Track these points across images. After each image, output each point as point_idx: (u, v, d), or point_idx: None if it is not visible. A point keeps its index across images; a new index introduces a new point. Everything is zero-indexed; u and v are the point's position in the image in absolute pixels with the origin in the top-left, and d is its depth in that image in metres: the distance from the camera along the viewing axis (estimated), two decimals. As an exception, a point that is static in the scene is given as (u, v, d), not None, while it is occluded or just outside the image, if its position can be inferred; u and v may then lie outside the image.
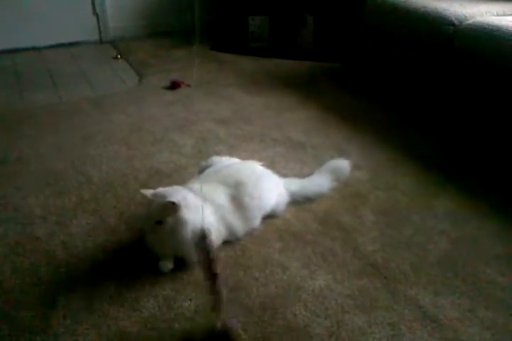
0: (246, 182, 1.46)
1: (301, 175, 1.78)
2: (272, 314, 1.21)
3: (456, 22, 2.08)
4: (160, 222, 1.27)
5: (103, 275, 1.32)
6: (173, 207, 1.26)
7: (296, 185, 1.65)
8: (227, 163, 1.59)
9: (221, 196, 1.42)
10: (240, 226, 1.44)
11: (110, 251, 1.41)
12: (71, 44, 3.33)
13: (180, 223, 1.28)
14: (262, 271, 1.35)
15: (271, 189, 1.55)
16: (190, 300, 1.25)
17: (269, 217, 1.56)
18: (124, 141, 2.04)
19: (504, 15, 2.14)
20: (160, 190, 1.32)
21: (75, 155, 1.93)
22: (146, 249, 1.37)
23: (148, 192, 1.29)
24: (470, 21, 2.05)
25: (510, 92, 1.91)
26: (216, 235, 1.33)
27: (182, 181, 1.73)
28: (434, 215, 1.60)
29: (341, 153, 1.97)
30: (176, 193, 1.30)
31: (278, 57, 3.17)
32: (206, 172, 1.54)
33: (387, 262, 1.39)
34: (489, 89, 1.98)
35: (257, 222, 1.50)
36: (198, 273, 1.32)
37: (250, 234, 1.48)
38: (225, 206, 1.41)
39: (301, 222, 1.56)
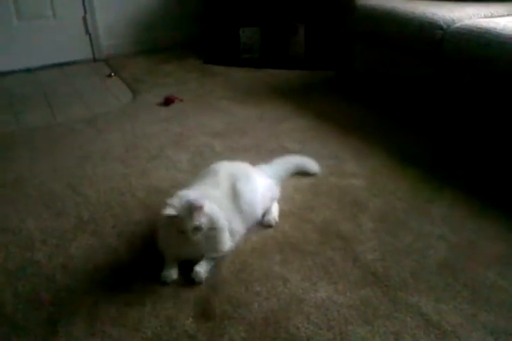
0: (240, 179, 1.53)
1: (300, 185, 1.79)
2: (275, 328, 1.21)
3: (445, 26, 2.09)
4: (198, 227, 1.32)
5: (104, 297, 1.32)
6: (202, 209, 1.32)
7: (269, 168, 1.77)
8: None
9: (221, 195, 1.48)
10: (240, 224, 1.49)
11: (110, 272, 1.41)
12: (64, 64, 3.35)
13: (214, 222, 1.36)
14: (264, 285, 1.35)
15: (261, 180, 1.61)
16: (192, 317, 1.24)
17: (267, 230, 1.57)
18: (120, 159, 2.05)
19: (492, 17, 2.15)
20: (176, 199, 1.37)
21: (71, 176, 1.93)
22: (146, 267, 1.37)
23: (175, 202, 1.35)
24: (458, 25, 2.06)
25: (500, 94, 1.92)
26: (228, 236, 1.43)
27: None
28: (431, 220, 1.60)
29: (337, 161, 1.98)
30: (195, 196, 1.37)
31: (270, 67, 3.19)
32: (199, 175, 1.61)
33: (388, 270, 1.39)
34: (480, 92, 1.99)
35: (258, 214, 1.56)
36: (199, 291, 1.32)
37: (251, 247, 1.49)
38: (225, 204, 1.46)
39: (301, 233, 1.56)
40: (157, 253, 1.45)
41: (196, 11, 3.57)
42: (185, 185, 1.82)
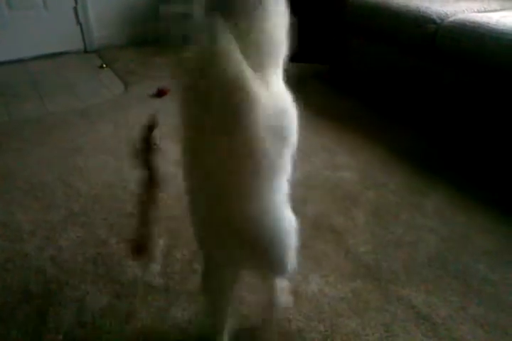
0: None
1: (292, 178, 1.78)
2: (266, 321, 1.21)
3: (438, 20, 2.09)
4: None
5: (94, 289, 1.31)
6: None
7: None
8: None
9: None
10: None
11: (100, 264, 1.40)
12: (56, 54, 3.31)
13: None
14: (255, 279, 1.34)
15: None
16: (184, 310, 1.24)
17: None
18: (111, 151, 2.04)
19: (485, 11, 2.15)
20: None
21: (62, 168, 1.92)
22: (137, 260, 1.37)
23: None
24: (451, 19, 2.06)
25: (493, 88, 1.92)
26: None
27: (172, 190, 1.74)
28: (423, 213, 1.60)
29: (330, 154, 1.98)
30: None
31: (264, 60, 3.17)
32: None
33: (379, 263, 1.39)
34: (472, 86, 1.99)
35: None
36: (191, 283, 1.32)
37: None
38: None
39: (293, 226, 1.56)
40: (149, 248, 1.44)
41: (189, 3, 3.54)
42: (177, 177, 1.82)
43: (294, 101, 0.93)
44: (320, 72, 2.92)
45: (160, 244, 1.46)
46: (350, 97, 2.54)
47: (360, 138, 2.12)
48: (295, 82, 3.12)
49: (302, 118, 2.55)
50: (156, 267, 1.38)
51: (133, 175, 1.82)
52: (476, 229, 1.52)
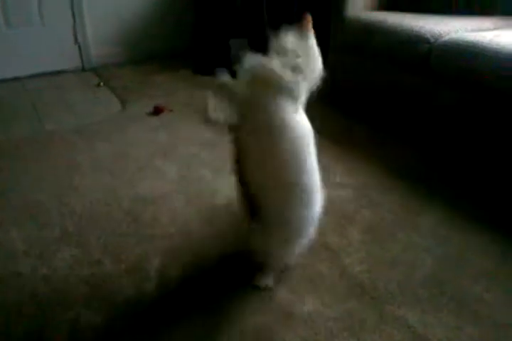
0: None
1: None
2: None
3: (432, 39, 2.11)
4: None
5: (87, 310, 1.29)
6: None
7: None
8: None
9: None
10: None
11: (94, 285, 1.38)
12: (53, 73, 3.33)
13: None
14: (249, 299, 1.33)
15: None
16: (180, 330, 1.23)
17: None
18: (107, 170, 2.04)
19: (478, 30, 2.17)
20: None
21: (58, 186, 1.91)
22: (130, 280, 1.36)
23: None
24: (445, 38, 2.08)
25: (487, 107, 1.94)
26: None
27: (166, 209, 1.74)
28: (419, 232, 1.60)
29: (325, 172, 1.97)
30: None
31: (260, 77, 3.19)
32: None
33: (375, 282, 1.38)
34: (468, 105, 2.01)
35: None
36: (186, 303, 1.31)
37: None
38: None
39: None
40: (142, 267, 1.43)
41: (187, 22, 3.57)
42: (172, 195, 1.83)
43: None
44: (315, 90, 2.94)
45: (154, 263, 1.46)
46: (345, 115, 2.56)
47: (356, 156, 2.12)
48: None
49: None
50: (150, 286, 1.37)
51: (127, 194, 1.84)
52: (472, 248, 1.51)
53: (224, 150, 2.18)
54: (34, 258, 1.50)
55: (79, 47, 3.40)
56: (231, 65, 3.69)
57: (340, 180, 1.93)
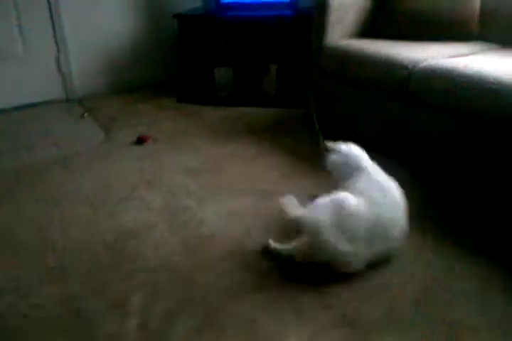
0: None
1: (269, 226, 1.78)
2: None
3: (410, 66, 2.15)
4: None
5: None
6: None
7: None
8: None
9: None
10: None
11: (76, 321, 1.35)
12: (36, 104, 3.31)
13: None
14: (235, 331, 1.31)
15: None
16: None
17: (240, 270, 1.54)
18: (89, 202, 2.01)
19: (455, 56, 2.22)
20: None
21: (39, 221, 1.88)
22: (114, 316, 1.32)
23: None
24: (422, 65, 2.12)
25: (464, 132, 1.96)
26: None
27: (150, 241, 1.72)
28: (404, 258, 1.58)
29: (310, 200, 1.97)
30: None
31: (244, 105, 3.22)
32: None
33: (359, 310, 1.36)
34: (446, 130, 2.04)
35: None
36: (170, 339, 1.27)
37: (220, 288, 1.46)
38: None
39: (272, 275, 1.53)
40: (124, 303, 1.40)
41: (171, 51, 3.61)
42: (156, 226, 1.80)
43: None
44: (299, 115, 2.97)
45: (136, 298, 1.43)
46: (329, 142, 2.56)
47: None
48: (275, 125, 3.17)
49: (282, 162, 2.57)
50: (133, 322, 1.34)
51: (110, 226, 1.81)
52: (457, 273, 1.51)
53: (209, 180, 2.19)
54: (13, 296, 1.46)
55: (63, 77, 3.42)
56: (215, 93, 3.74)
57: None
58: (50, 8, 3.22)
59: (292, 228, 1.73)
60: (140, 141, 2.62)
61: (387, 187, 1.57)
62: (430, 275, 1.50)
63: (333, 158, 1.74)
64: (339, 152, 1.72)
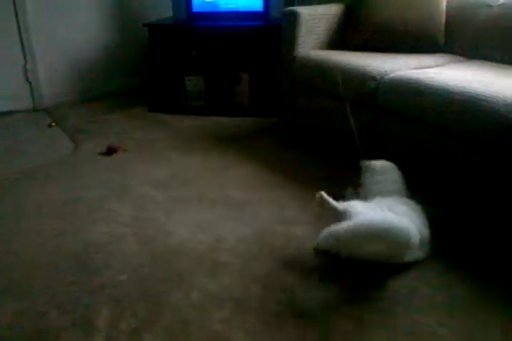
0: None
1: (243, 235, 1.77)
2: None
3: (378, 77, 2.19)
4: None
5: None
6: None
7: None
8: None
9: None
10: None
11: (41, 339, 1.31)
12: (3, 114, 3.24)
13: None
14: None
15: None
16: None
17: (210, 283, 1.53)
18: (56, 214, 1.97)
19: (421, 68, 2.27)
20: None
21: (3, 233, 1.83)
22: (77, 333, 1.29)
23: None
24: (390, 76, 2.16)
25: (431, 142, 2.00)
26: None
27: (118, 253, 1.69)
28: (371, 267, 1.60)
29: (281, 209, 1.98)
30: None
31: (216, 114, 3.22)
32: None
33: (332, 324, 1.36)
34: (415, 139, 2.07)
35: None
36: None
37: (189, 303, 1.44)
38: None
39: (243, 287, 1.52)
40: (90, 318, 1.37)
41: (140, 60, 3.60)
42: (125, 238, 1.77)
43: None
44: (270, 125, 2.98)
45: (103, 313, 1.39)
46: (299, 151, 2.59)
47: (310, 192, 2.12)
48: (246, 135, 3.17)
49: (252, 172, 2.57)
50: (99, 339, 1.31)
51: (77, 239, 1.77)
52: (424, 282, 1.53)
53: (178, 191, 2.17)
54: (-26, 313, 1.41)
55: (30, 86, 3.35)
56: (186, 102, 3.71)
57: (294, 215, 1.93)
58: (16, 16, 3.16)
59: (265, 237, 1.74)
60: (109, 151, 2.59)
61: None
62: (397, 285, 1.52)
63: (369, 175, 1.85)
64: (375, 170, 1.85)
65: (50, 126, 3.04)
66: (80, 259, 1.66)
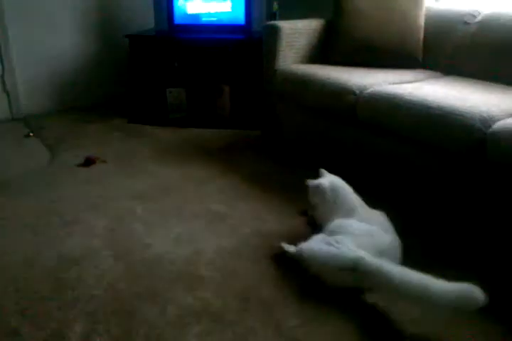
0: None
1: (221, 248, 1.76)
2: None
3: (357, 91, 2.21)
4: None
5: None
6: None
7: None
8: None
9: None
10: None
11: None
12: (-20, 123, 3.20)
13: None
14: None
15: None
16: None
17: (187, 298, 1.50)
18: (30, 226, 1.92)
19: (400, 83, 2.30)
20: None
21: (-25, 246, 1.78)
22: None
23: None
24: (369, 90, 2.18)
25: (409, 156, 2.02)
26: None
27: (93, 267, 1.65)
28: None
29: (261, 222, 1.97)
30: None
31: (198, 126, 3.21)
32: None
33: (309, 337, 1.35)
34: (393, 153, 2.09)
35: None
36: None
37: (166, 318, 1.41)
38: None
39: (221, 300, 1.50)
40: (63, 334, 1.33)
41: (121, 71, 3.58)
42: (100, 252, 1.74)
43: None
44: (252, 137, 2.98)
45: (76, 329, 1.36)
46: (280, 164, 2.58)
47: (290, 205, 2.12)
48: (227, 148, 3.15)
49: (232, 184, 2.56)
50: (71, 356, 1.27)
51: (51, 252, 1.73)
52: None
53: (158, 203, 2.14)
54: None
55: (7, 96, 3.30)
56: (168, 114, 3.70)
57: (274, 228, 1.92)
58: (-6, 25, 3.14)
59: (244, 251, 1.72)
60: (88, 162, 2.55)
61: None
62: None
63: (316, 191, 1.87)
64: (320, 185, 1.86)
65: (27, 136, 2.99)
66: (53, 274, 1.62)
